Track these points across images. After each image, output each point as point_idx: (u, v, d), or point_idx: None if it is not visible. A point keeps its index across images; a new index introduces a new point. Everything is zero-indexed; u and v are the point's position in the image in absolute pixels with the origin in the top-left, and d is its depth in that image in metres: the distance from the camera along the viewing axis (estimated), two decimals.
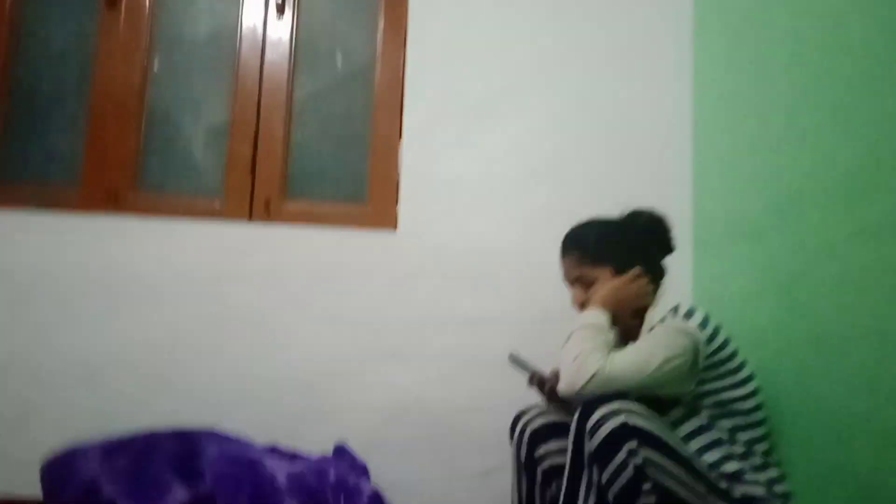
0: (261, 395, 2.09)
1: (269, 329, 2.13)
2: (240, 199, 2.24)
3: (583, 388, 1.42)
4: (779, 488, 1.49)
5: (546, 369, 1.70)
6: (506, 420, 2.07)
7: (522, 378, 2.07)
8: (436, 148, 2.25)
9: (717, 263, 2.00)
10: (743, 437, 1.51)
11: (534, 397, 2.06)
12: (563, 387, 1.46)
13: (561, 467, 1.57)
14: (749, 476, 1.48)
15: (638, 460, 1.35)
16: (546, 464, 1.60)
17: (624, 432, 1.37)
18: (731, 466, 1.48)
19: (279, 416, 2.07)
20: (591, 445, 1.38)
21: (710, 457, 1.49)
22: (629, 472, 1.35)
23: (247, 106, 2.28)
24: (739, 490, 1.45)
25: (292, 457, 1.86)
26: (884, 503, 1.34)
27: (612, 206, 2.07)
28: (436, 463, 2.09)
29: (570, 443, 1.44)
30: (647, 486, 1.35)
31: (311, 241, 2.18)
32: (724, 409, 1.52)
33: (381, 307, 2.15)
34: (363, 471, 1.95)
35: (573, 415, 1.64)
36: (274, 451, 1.90)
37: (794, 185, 1.66)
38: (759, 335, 1.71)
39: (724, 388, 1.52)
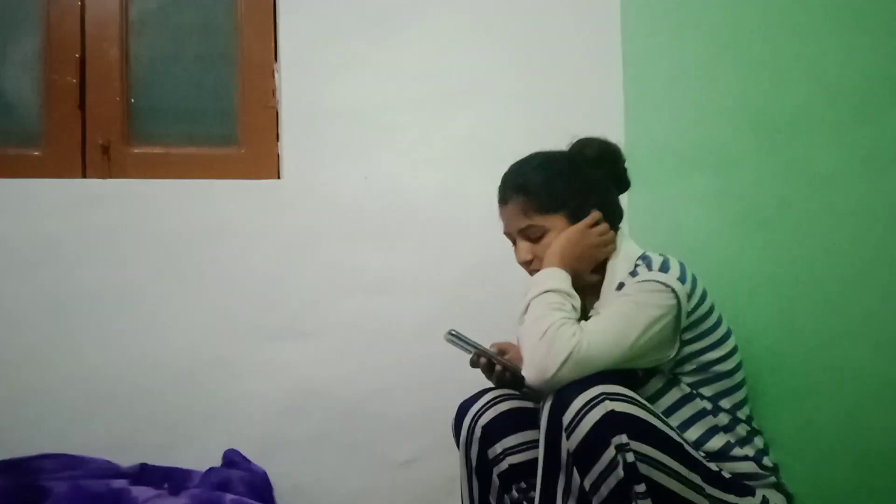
0: (120, 398, 1.64)
1: (124, 312, 1.66)
2: (67, 146, 1.71)
3: (556, 374, 1.11)
4: (767, 460, 1.28)
5: (484, 342, 1.38)
6: (426, 399, 1.77)
7: (453, 353, 1.75)
8: (322, 71, 1.80)
9: (660, 196, 1.74)
10: (726, 403, 1.29)
11: (463, 374, 1.75)
12: (530, 374, 1.14)
13: (522, 466, 1.30)
14: (737, 451, 1.26)
15: (629, 457, 1.08)
16: (504, 464, 1.29)
17: (610, 424, 1.08)
18: (717, 442, 1.25)
19: (148, 424, 1.64)
20: (570, 444, 1.09)
21: (695, 432, 1.25)
22: (619, 473, 1.07)
23: (66, 18, 1.72)
24: (729, 469, 1.22)
25: (170, 479, 1.44)
26: (857, 460, 1.21)
27: (541, 139, 1.76)
28: (348, 457, 1.75)
29: (542, 442, 1.14)
30: (640, 487, 1.08)
31: (170, 197, 1.70)
32: (706, 375, 1.28)
33: (267, 275, 1.74)
34: (264, 481, 1.57)
35: (536, 400, 1.35)
36: (144, 472, 1.48)
37: (761, 113, 1.42)
38: (722, 276, 1.48)
39: (704, 350, 1.28)
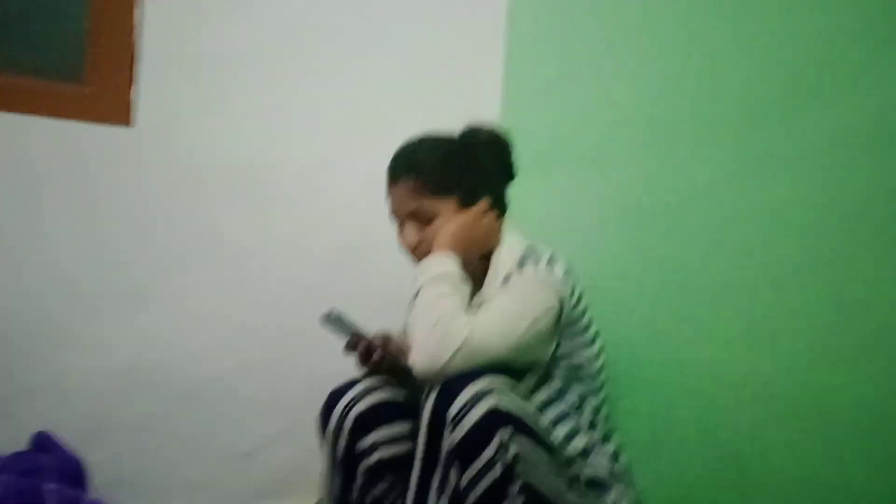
0: None
1: None
2: None
3: (447, 363, 1.06)
4: (619, 464, 1.32)
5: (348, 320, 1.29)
6: (272, 386, 1.64)
7: (304, 337, 1.62)
8: (192, 9, 1.59)
9: (536, 189, 1.73)
10: (589, 404, 1.30)
11: (314, 360, 1.65)
12: (421, 361, 1.07)
13: (391, 462, 1.23)
14: (595, 452, 1.27)
15: (508, 456, 1.05)
16: (373, 459, 1.21)
17: (495, 419, 1.05)
18: (579, 442, 1.26)
19: None
20: (453, 438, 1.04)
21: (560, 431, 1.25)
22: (496, 471, 1.04)
23: None
24: (586, 472, 1.24)
25: None
26: (706, 459, 1.26)
27: (418, 118, 1.70)
28: (183, 445, 1.57)
29: (422, 433, 1.08)
30: (515, 487, 1.06)
31: (3, 133, 1.42)
32: (576, 374, 1.29)
33: (109, 235, 1.51)
34: (78, 470, 1.36)
35: (408, 387, 1.28)
36: None
37: (646, 116, 1.45)
38: (594, 275, 1.50)
39: (576, 350, 1.29)
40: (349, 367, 1.36)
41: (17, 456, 1.32)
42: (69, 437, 1.43)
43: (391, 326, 1.59)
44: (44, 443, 1.38)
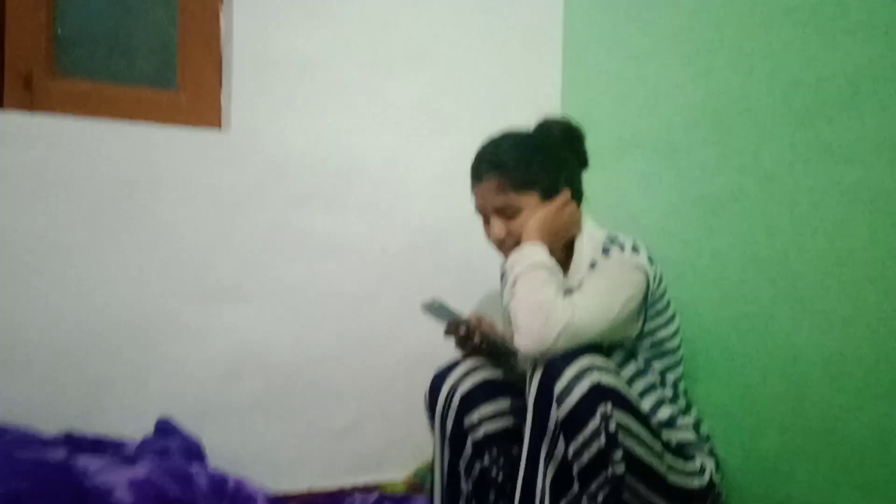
0: (42, 359, 1.47)
1: (45, 264, 1.48)
2: None
3: (553, 344, 1.15)
4: (702, 429, 1.41)
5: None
6: (365, 368, 1.75)
7: (393, 322, 1.73)
8: (276, 16, 1.67)
9: (604, 177, 1.80)
10: (670, 377, 1.40)
11: (405, 342, 1.76)
12: (527, 343, 1.17)
13: (495, 435, 1.33)
14: (679, 421, 1.37)
15: (612, 427, 1.15)
16: (480, 432, 1.32)
17: (597, 394, 1.15)
18: (664, 413, 1.36)
19: (73, 388, 1.48)
20: (559, 413, 1.14)
21: (646, 404, 1.34)
22: (601, 441, 1.14)
23: None
24: (674, 438, 1.33)
25: (100, 450, 1.32)
26: (785, 430, 1.34)
27: (484, 113, 1.78)
28: (285, 424, 1.68)
29: (530, 409, 1.18)
30: (618, 454, 1.16)
31: (101, 139, 1.52)
32: (657, 350, 1.38)
33: (206, 233, 1.61)
34: (198, 452, 1.48)
35: (504, 368, 1.39)
36: (72, 439, 1.35)
37: (713, 104, 1.51)
38: (668, 258, 1.57)
39: (658, 328, 1.38)
40: (428, 348, 1.47)
41: (146, 441, 1.44)
42: (183, 420, 1.55)
43: (467, 301, 1.70)
44: (166, 428, 1.50)
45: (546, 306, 1.17)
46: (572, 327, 1.17)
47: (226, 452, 1.58)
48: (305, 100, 1.70)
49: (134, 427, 1.50)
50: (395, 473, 1.77)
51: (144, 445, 1.42)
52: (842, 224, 1.25)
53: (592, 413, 1.14)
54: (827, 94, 1.27)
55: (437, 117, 1.84)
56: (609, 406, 1.15)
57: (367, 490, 1.67)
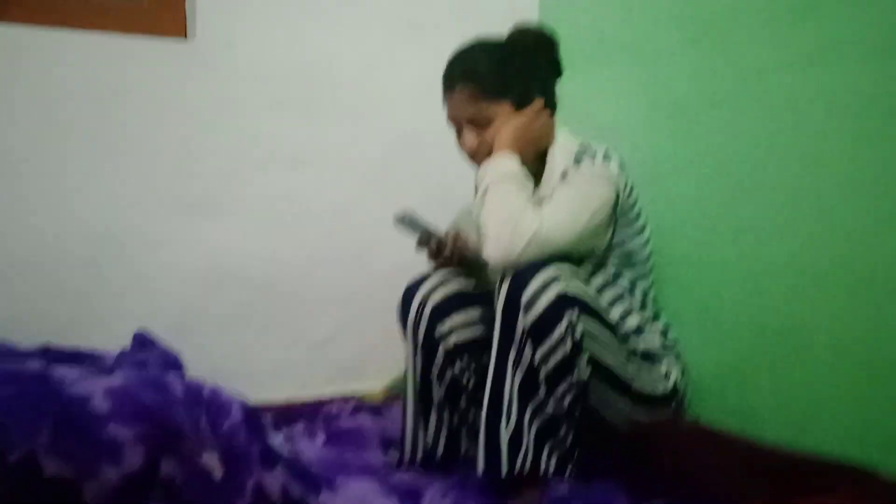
0: (16, 271, 1.47)
1: (16, 178, 1.46)
2: None
3: (520, 254, 1.17)
4: (668, 339, 1.45)
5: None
6: (343, 278, 1.77)
7: (369, 233, 1.73)
8: None
9: (582, 83, 1.78)
10: (639, 287, 1.42)
11: (381, 254, 1.77)
12: (495, 254, 1.18)
13: (466, 344, 1.37)
14: (647, 329, 1.40)
15: (577, 333, 1.18)
16: (451, 341, 1.35)
17: (563, 302, 1.17)
18: (632, 321, 1.39)
19: (49, 301, 1.49)
20: (526, 320, 1.16)
21: (614, 312, 1.37)
22: (566, 346, 1.17)
23: None
24: (641, 345, 1.37)
25: (78, 362, 1.34)
26: (748, 336, 1.38)
27: (460, 19, 1.73)
28: (264, 335, 1.71)
29: (498, 317, 1.20)
30: (583, 360, 1.20)
31: (64, 49, 1.47)
32: (627, 260, 1.40)
33: (177, 145, 1.59)
34: (176, 364, 1.51)
35: (476, 279, 1.40)
36: (49, 352, 1.36)
37: (692, 7, 1.48)
38: (642, 164, 1.57)
39: (629, 238, 1.39)
40: (407, 259, 1.48)
41: (124, 353, 1.46)
42: (161, 331, 1.57)
43: (441, 219, 1.70)
44: (144, 340, 1.52)
45: (515, 217, 1.18)
46: (540, 238, 1.18)
47: (204, 365, 1.60)
48: (274, 5, 1.64)
49: (112, 341, 1.51)
50: (373, 383, 1.82)
51: (122, 357, 1.44)
52: (817, 130, 1.25)
53: (559, 320, 1.16)
54: None
55: (413, 24, 1.79)
56: (575, 313, 1.17)
57: (344, 399, 1.71)
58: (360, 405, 1.65)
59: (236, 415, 1.13)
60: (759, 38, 1.34)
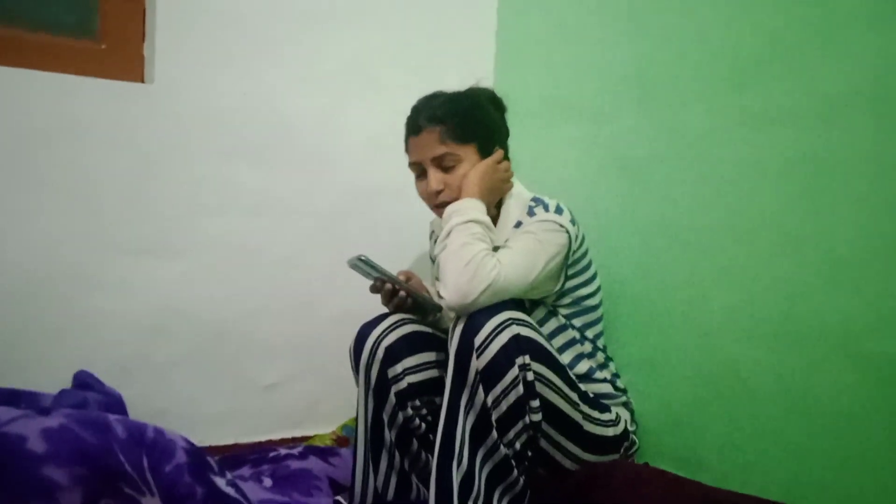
0: None
1: None
2: None
3: (477, 299, 1.18)
4: (619, 383, 1.48)
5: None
6: (292, 324, 1.76)
7: (321, 279, 1.73)
8: None
9: (532, 143, 1.84)
10: (590, 333, 1.46)
11: (332, 300, 1.77)
12: (452, 296, 1.19)
13: (418, 385, 1.37)
14: (597, 375, 1.44)
15: (529, 376, 1.20)
16: (403, 383, 1.34)
17: (515, 346, 1.19)
18: (582, 367, 1.42)
19: None
20: (479, 363, 1.17)
21: (566, 358, 1.40)
22: (519, 390, 1.19)
23: None
24: (591, 390, 1.40)
25: (16, 402, 1.30)
26: (696, 381, 1.41)
27: (418, 78, 1.77)
28: (211, 380, 1.68)
29: (451, 360, 1.21)
30: (535, 402, 1.21)
31: (14, 87, 1.45)
32: (578, 308, 1.44)
33: (128, 186, 1.57)
34: (119, 404, 1.47)
35: (432, 325, 1.42)
36: None
37: (637, 71, 1.56)
38: (592, 219, 1.63)
39: (579, 286, 1.43)
40: (361, 305, 1.48)
41: (62, 393, 1.41)
42: (104, 375, 1.53)
43: (398, 263, 1.71)
44: (85, 380, 1.47)
45: (475, 262, 1.20)
46: (497, 285, 1.20)
47: (148, 408, 1.56)
48: (233, 54, 1.66)
49: (52, 383, 1.47)
50: (325, 428, 1.79)
51: (62, 397, 1.39)
52: (751, 187, 1.32)
53: (511, 363, 1.17)
54: (746, 62, 1.33)
55: (369, 78, 1.83)
56: (527, 357, 1.19)
57: (293, 443, 1.68)
58: (309, 448, 1.62)
59: (180, 456, 1.10)
60: (699, 102, 1.42)
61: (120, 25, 1.60)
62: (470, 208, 1.29)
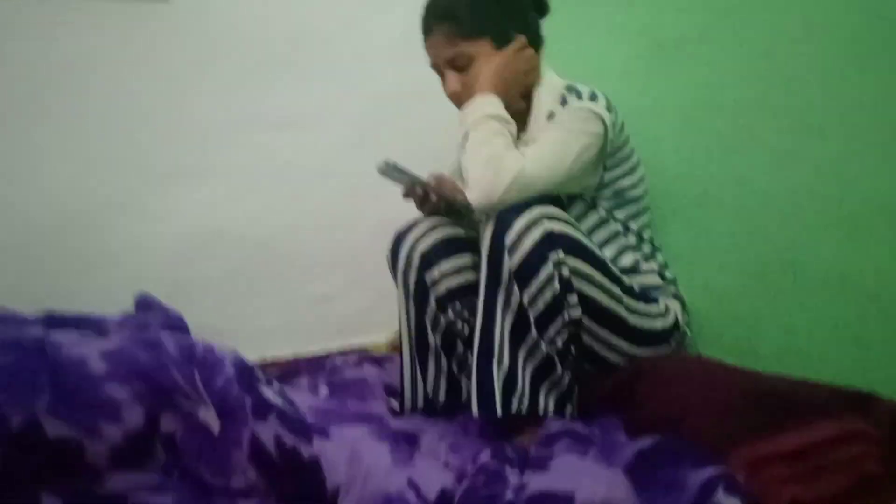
0: (11, 244, 1.49)
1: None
2: None
3: (503, 196, 1.15)
4: (668, 274, 1.43)
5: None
6: (335, 236, 1.76)
7: (359, 190, 1.71)
8: None
9: (568, 27, 1.72)
10: (634, 225, 1.40)
11: (371, 210, 1.75)
12: (477, 196, 1.16)
13: (457, 290, 1.35)
14: (643, 267, 1.39)
15: (565, 272, 1.16)
16: (441, 287, 1.34)
17: (548, 242, 1.15)
18: (627, 259, 1.37)
19: (46, 272, 1.51)
20: (512, 262, 1.15)
21: (609, 251, 1.36)
22: (555, 286, 1.16)
23: None
24: (637, 282, 1.35)
25: (82, 326, 1.36)
26: (743, 268, 1.35)
27: None
28: (261, 295, 1.72)
29: (484, 261, 1.19)
30: (573, 298, 1.18)
31: (37, 14, 1.46)
32: (620, 199, 1.38)
33: (155, 110, 1.58)
34: (181, 324, 1.53)
35: (468, 227, 1.39)
36: (52, 320, 1.38)
37: None
38: (630, 103, 1.53)
39: (620, 177, 1.37)
40: (409, 212, 1.47)
41: (126, 316, 1.48)
42: (159, 296, 1.59)
43: (438, 169, 1.68)
44: (147, 302, 1.53)
45: (495, 158, 1.16)
46: (523, 178, 1.16)
47: (205, 326, 1.62)
48: None
49: (114, 307, 1.54)
50: (379, 336, 1.83)
51: (125, 321, 1.46)
52: (799, 59, 1.20)
53: (544, 260, 1.15)
54: None
55: None
56: (560, 253, 1.16)
57: (348, 353, 1.73)
58: (364, 357, 1.66)
59: (229, 370, 1.14)
60: None
61: None
62: (484, 104, 1.24)
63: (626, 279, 1.30)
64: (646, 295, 1.34)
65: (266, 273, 1.72)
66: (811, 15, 1.18)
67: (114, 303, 1.55)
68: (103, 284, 1.55)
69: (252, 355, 1.63)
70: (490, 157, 1.16)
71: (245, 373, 1.15)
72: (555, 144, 1.22)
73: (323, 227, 1.76)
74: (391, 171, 1.27)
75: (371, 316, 1.82)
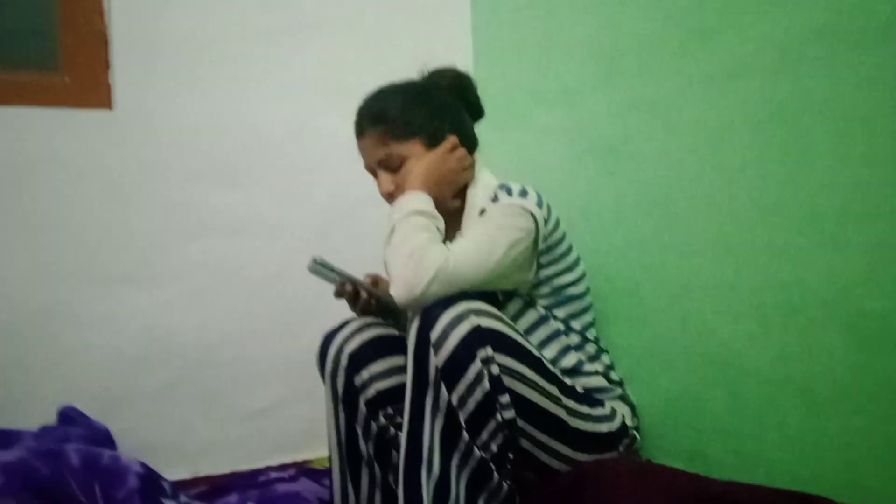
0: None
1: None
2: None
3: (425, 290, 1.11)
4: (613, 375, 1.37)
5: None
6: (280, 345, 1.71)
7: (307, 297, 1.68)
8: None
9: (513, 131, 1.77)
10: (576, 324, 1.35)
11: (319, 318, 1.70)
12: (399, 291, 1.12)
13: (388, 392, 1.29)
14: (587, 367, 1.33)
15: (494, 370, 1.11)
16: (371, 391, 1.28)
17: (476, 338, 1.10)
18: (569, 360, 1.32)
19: None
20: (438, 360, 1.09)
21: (550, 352, 1.31)
22: (484, 385, 1.10)
23: None
24: (580, 383, 1.29)
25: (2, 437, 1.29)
26: (692, 368, 1.30)
27: (393, 75, 1.73)
28: (201, 408, 1.64)
29: (410, 360, 1.13)
30: (504, 398, 1.12)
31: None
32: (559, 297, 1.34)
33: (101, 216, 1.57)
34: (106, 438, 1.45)
35: (401, 327, 1.35)
36: None
37: (602, 46, 1.48)
38: (573, 205, 1.54)
39: (558, 274, 1.34)
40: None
41: (44, 430, 1.40)
42: (89, 410, 1.51)
43: (385, 273, 1.65)
44: (70, 415, 1.46)
45: (418, 251, 1.13)
46: (446, 272, 1.13)
47: (138, 441, 1.54)
48: (199, 74, 1.65)
49: (37, 421, 1.46)
50: (325, 451, 1.73)
51: (43, 434, 1.38)
52: (728, 151, 1.21)
53: (472, 357, 1.09)
54: (705, 19, 1.23)
55: (341, 86, 1.77)
56: (489, 349, 1.10)
57: (284, 466, 1.63)
58: (302, 470, 1.57)
59: (132, 482, 1.07)
60: (666, 61, 1.33)
61: (82, 56, 1.60)
62: (412, 200, 1.23)
63: (567, 380, 1.25)
64: (589, 397, 1.28)
65: (205, 385, 1.65)
66: (720, 101, 1.21)
67: (40, 416, 1.47)
68: (31, 395, 1.48)
69: (185, 471, 1.54)
70: (413, 250, 1.13)
71: (149, 484, 1.08)
72: (481, 238, 1.20)
73: (267, 337, 1.71)
74: (321, 269, 1.24)
75: (315, 430, 1.71)
